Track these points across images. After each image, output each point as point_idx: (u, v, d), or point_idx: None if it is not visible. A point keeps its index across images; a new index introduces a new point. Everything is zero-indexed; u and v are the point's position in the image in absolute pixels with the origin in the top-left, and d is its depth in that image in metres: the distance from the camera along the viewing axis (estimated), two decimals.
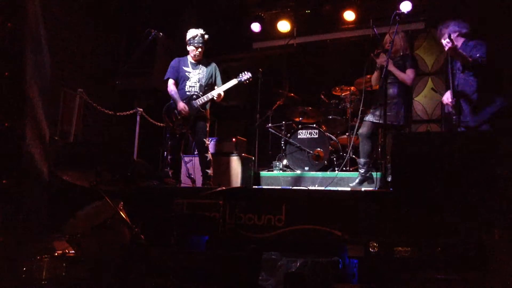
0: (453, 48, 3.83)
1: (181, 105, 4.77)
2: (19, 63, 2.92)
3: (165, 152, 5.04)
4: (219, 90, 4.83)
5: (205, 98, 4.80)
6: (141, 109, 6.00)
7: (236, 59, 7.74)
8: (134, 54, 5.02)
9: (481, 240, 2.84)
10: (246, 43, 7.93)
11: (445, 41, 3.86)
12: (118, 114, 5.93)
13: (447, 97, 4.16)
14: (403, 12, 4.39)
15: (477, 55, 3.89)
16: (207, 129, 4.92)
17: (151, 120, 6.27)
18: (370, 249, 3.00)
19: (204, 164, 4.81)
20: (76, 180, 3.18)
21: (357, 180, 4.78)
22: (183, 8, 7.45)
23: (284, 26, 7.45)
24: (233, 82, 4.89)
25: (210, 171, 4.80)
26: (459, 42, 4.10)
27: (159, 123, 6.25)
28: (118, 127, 6.41)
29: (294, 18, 7.41)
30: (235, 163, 5.39)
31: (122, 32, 7.01)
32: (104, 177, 3.06)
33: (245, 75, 4.93)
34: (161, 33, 4.90)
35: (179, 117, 4.82)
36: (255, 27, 7.51)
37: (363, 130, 4.65)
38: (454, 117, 4.16)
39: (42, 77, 3.44)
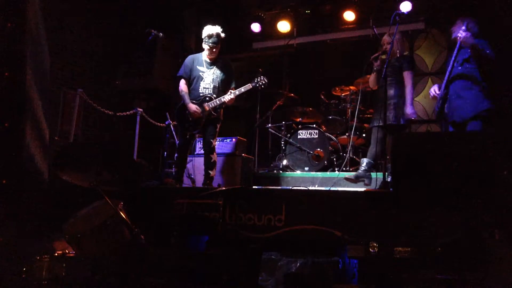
0: (468, 37, 3.93)
1: (192, 107, 4.65)
2: (19, 63, 2.91)
3: (165, 152, 5.02)
4: (232, 95, 4.66)
5: (217, 102, 4.66)
6: (141, 109, 6.00)
7: (236, 59, 7.72)
8: (134, 54, 5.00)
9: (481, 240, 2.84)
10: (246, 43, 7.93)
11: (461, 31, 3.97)
12: (118, 114, 5.93)
13: (434, 89, 4.21)
14: (403, 12, 4.42)
15: (487, 51, 3.98)
16: (217, 129, 4.82)
17: (151, 120, 6.27)
18: (370, 249, 2.99)
19: (208, 164, 4.74)
20: (76, 180, 3.18)
21: (354, 173, 4.78)
22: (183, 8, 7.45)
23: (284, 26, 7.44)
24: (247, 87, 4.72)
25: (212, 172, 4.74)
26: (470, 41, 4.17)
27: (159, 123, 6.25)
28: (118, 127, 6.41)
29: (294, 18, 7.40)
30: (235, 163, 5.38)
31: (122, 32, 7.01)
32: (104, 177, 3.06)
33: (261, 80, 4.73)
34: (161, 33, 4.88)
35: (190, 119, 4.70)
36: (255, 27, 7.50)
37: (374, 136, 4.66)
38: (436, 108, 4.22)
39: (42, 77, 3.45)
